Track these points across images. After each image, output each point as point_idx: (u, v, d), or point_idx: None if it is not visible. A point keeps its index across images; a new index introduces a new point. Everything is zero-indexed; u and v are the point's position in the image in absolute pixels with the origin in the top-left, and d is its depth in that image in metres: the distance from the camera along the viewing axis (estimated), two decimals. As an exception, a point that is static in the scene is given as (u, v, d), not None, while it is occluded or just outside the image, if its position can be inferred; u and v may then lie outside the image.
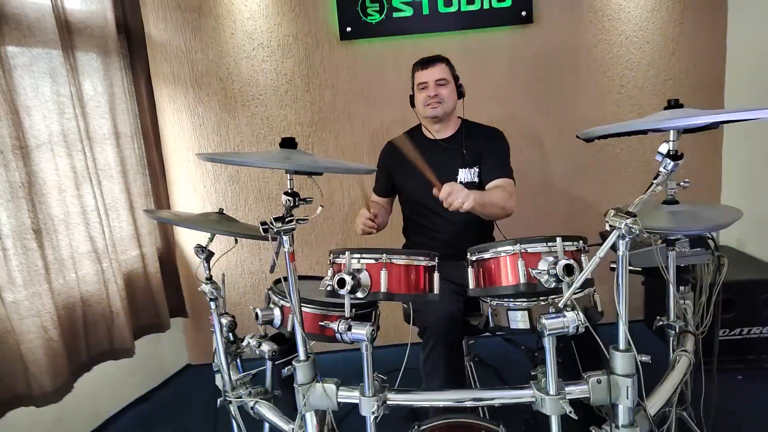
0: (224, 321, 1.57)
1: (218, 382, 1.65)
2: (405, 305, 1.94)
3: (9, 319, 1.84)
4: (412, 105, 2.05)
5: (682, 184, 1.29)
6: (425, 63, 1.96)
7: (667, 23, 2.68)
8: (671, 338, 1.46)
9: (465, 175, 1.97)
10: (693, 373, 1.58)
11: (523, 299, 1.33)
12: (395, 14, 2.63)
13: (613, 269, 1.52)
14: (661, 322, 1.47)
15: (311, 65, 2.68)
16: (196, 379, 2.83)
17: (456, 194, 1.54)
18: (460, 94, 2.00)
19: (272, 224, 1.13)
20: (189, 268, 2.81)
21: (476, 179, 1.97)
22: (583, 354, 1.41)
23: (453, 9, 2.63)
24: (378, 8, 2.62)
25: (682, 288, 1.62)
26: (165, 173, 2.74)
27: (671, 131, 0.98)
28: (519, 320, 1.34)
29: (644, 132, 1.08)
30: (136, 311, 2.45)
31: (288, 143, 1.19)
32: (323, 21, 2.64)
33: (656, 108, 1.73)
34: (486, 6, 2.63)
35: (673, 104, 1.08)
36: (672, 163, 0.97)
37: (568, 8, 2.66)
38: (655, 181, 0.99)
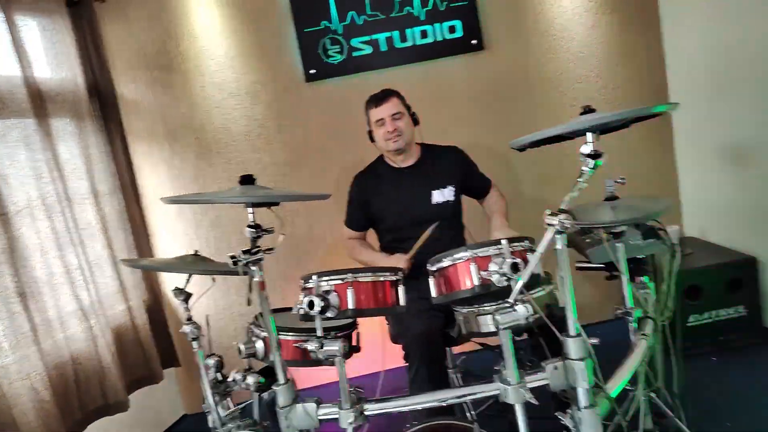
0: (210, 362, 1.62)
1: (210, 423, 1.67)
2: (388, 325, 2.00)
3: (-2, 384, 1.86)
4: (372, 140, 2.12)
5: (618, 180, 1.40)
6: (378, 100, 2.04)
7: (608, 37, 2.85)
8: (629, 325, 1.53)
9: (439, 196, 2.05)
10: (664, 358, 1.66)
11: (492, 303, 1.40)
12: (355, 53, 2.77)
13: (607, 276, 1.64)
14: (619, 311, 1.55)
15: (280, 108, 2.81)
16: (193, 428, 2.82)
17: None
18: (415, 122, 2.09)
19: (240, 256, 1.21)
20: (179, 319, 2.84)
21: (452, 198, 2.05)
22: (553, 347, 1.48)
23: (409, 44, 2.79)
24: (339, 49, 2.77)
25: (645, 278, 1.71)
26: (146, 226, 2.80)
27: (588, 134, 1.09)
28: (489, 324, 1.41)
29: (569, 137, 1.18)
30: (127, 365, 2.45)
31: (246, 180, 1.29)
32: (288, 65, 2.78)
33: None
34: (439, 38, 2.79)
35: (587, 110, 1.20)
36: (592, 162, 1.08)
37: (515, 33, 2.83)
38: (579, 179, 1.09)
